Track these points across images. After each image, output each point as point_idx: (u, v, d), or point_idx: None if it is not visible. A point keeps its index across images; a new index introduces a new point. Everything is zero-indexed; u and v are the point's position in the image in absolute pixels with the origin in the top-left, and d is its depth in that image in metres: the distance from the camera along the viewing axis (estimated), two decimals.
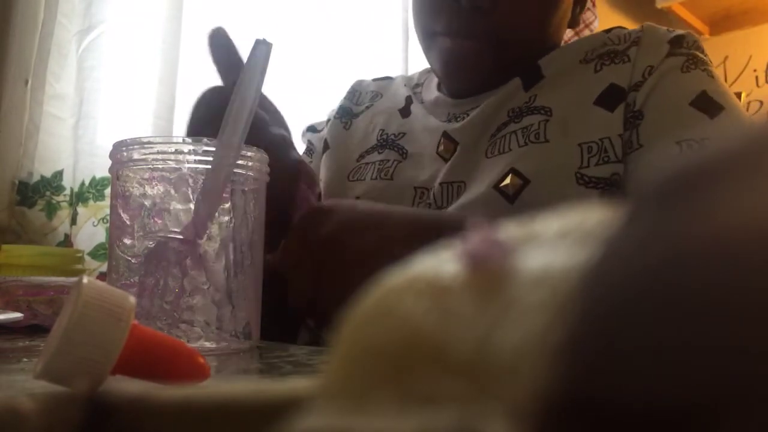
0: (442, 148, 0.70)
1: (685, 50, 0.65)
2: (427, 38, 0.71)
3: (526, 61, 0.70)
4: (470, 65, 0.69)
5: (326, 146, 0.81)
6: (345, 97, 0.86)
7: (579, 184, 0.60)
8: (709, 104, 0.61)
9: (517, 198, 0.61)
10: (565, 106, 0.65)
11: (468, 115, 0.70)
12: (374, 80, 0.87)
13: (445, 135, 0.71)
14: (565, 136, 0.62)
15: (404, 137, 0.75)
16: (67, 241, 0.99)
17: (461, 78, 0.72)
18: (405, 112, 0.78)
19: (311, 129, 0.87)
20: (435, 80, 0.79)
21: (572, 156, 0.61)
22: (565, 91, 0.66)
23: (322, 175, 0.78)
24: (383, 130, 0.77)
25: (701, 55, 0.66)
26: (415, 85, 0.82)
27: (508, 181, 0.62)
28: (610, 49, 0.67)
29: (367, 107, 0.82)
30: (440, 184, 0.67)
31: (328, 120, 0.85)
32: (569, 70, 0.68)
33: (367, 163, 0.75)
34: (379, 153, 0.75)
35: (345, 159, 0.78)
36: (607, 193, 0.60)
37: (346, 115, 0.83)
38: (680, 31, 0.67)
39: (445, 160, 0.69)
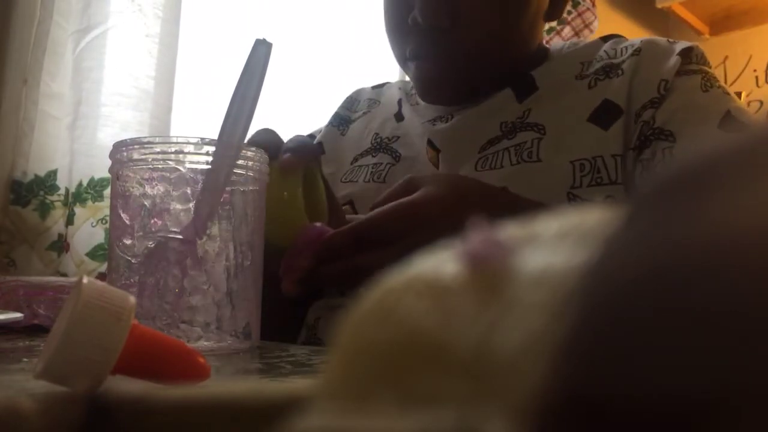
0: (430, 154, 0.70)
1: (695, 65, 0.64)
2: (401, 62, 0.72)
3: (509, 65, 0.69)
4: (442, 87, 0.69)
5: (321, 150, 0.81)
6: (342, 106, 0.86)
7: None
8: (735, 125, 0.60)
9: None
10: (559, 123, 0.64)
11: (453, 116, 0.70)
12: (373, 88, 0.87)
13: (429, 142, 0.71)
14: (558, 152, 0.62)
15: (398, 141, 0.75)
16: (61, 242, 0.98)
17: (438, 99, 0.72)
18: (399, 116, 0.78)
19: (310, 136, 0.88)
20: None
21: (564, 175, 0.60)
22: (559, 107, 0.65)
23: None
24: (377, 134, 0.77)
25: (709, 70, 0.65)
26: (413, 87, 0.82)
27: None
28: (606, 63, 0.66)
29: (364, 113, 0.82)
30: None
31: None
32: (564, 85, 0.67)
33: (360, 166, 0.75)
34: (372, 156, 0.75)
35: (339, 163, 0.78)
36: None
37: (342, 123, 0.84)
38: (685, 43, 0.66)
39: (437, 167, 0.69)
